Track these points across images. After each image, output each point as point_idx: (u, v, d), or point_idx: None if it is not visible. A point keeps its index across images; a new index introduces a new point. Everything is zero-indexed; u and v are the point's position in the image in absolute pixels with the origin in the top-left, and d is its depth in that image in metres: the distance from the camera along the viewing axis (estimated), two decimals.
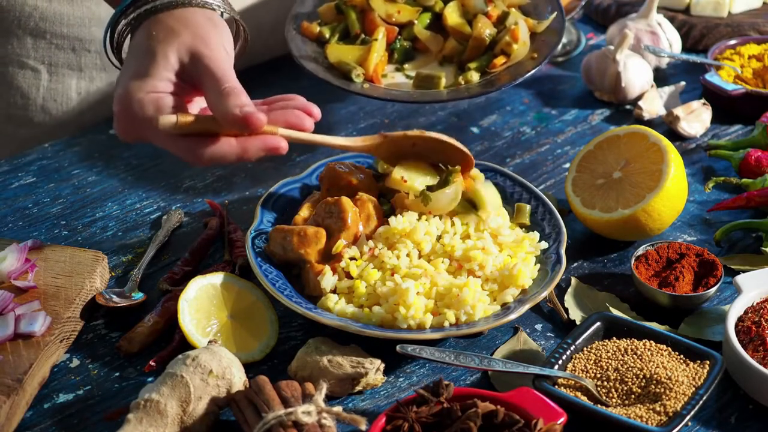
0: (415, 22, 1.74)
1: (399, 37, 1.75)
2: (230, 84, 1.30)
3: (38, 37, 1.76)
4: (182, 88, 1.33)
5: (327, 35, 1.75)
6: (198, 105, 1.37)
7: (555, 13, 1.73)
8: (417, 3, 1.75)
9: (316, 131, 1.37)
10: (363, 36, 1.73)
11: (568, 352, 1.32)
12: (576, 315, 1.42)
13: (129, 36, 1.38)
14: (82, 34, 1.77)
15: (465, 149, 1.48)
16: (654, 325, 1.38)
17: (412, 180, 1.47)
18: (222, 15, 1.41)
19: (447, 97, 1.65)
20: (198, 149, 1.29)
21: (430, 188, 1.46)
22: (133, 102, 1.29)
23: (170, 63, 1.31)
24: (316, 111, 1.37)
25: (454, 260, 1.41)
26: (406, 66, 1.74)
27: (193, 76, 1.32)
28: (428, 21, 1.75)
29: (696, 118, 1.78)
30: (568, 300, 1.45)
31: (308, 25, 1.76)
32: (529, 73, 1.65)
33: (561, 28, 1.71)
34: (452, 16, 1.73)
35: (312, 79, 1.69)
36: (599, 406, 1.26)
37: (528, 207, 1.52)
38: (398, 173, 1.48)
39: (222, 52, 1.33)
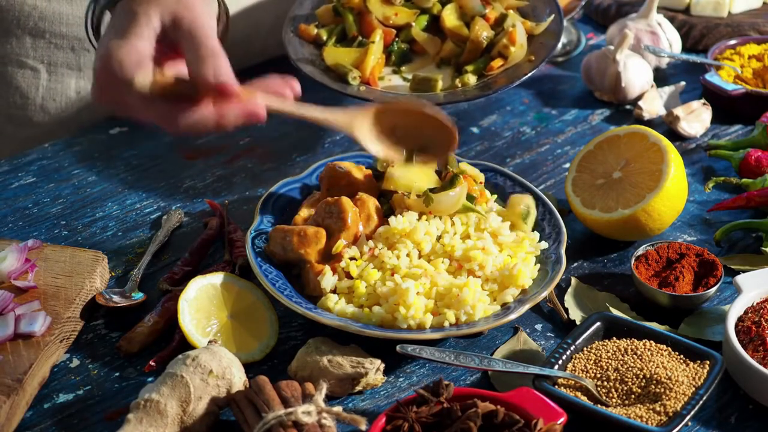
0: (413, 24, 1.74)
1: (396, 39, 1.74)
2: (210, 46, 1.27)
3: (37, 36, 1.75)
4: (163, 53, 1.31)
5: (324, 37, 1.75)
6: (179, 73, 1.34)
7: (553, 15, 1.73)
8: (414, 5, 1.75)
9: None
10: (360, 38, 1.73)
11: (568, 352, 1.32)
12: (576, 315, 1.42)
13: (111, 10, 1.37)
14: (81, 34, 1.76)
15: (449, 124, 1.45)
16: (654, 325, 1.38)
17: (409, 180, 1.47)
18: None
19: (444, 100, 1.64)
20: (175, 114, 1.26)
21: (432, 189, 1.45)
22: (113, 61, 1.26)
23: (152, 24, 1.29)
24: (297, 86, 1.34)
25: (454, 260, 1.41)
26: (403, 68, 1.74)
27: (174, 41, 1.30)
28: (426, 23, 1.75)
29: (696, 118, 1.78)
30: (568, 300, 1.45)
31: (305, 27, 1.76)
32: (526, 76, 1.64)
33: (559, 30, 1.71)
34: (450, 18, 1.73)
35: (310, 79, 1.69)
36: (599, 406, 1.26)
37: None
38: (393, 172, 1.48)
39: (205, 18, 1.31)
